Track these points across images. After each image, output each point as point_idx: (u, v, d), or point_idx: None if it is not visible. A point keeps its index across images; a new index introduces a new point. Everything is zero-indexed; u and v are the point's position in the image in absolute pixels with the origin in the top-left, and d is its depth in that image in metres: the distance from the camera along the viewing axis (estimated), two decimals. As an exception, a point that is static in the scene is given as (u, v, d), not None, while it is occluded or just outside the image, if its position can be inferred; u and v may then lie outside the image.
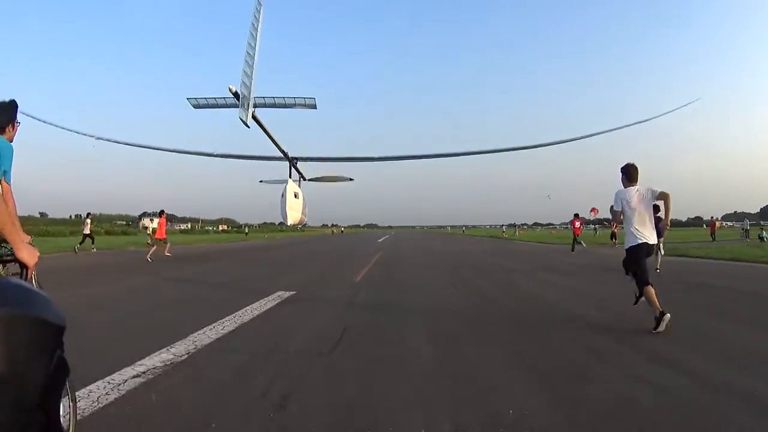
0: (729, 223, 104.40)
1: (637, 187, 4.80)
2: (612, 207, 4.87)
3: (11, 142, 3.09)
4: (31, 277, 2.30)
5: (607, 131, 21.45)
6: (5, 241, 2.19)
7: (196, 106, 14.33)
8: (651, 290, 4.47)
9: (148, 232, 19.73)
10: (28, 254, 1.95)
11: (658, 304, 4.40)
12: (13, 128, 3.24)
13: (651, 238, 4.65)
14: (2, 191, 2.87)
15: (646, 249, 4.66)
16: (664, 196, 4.68)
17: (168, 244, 13.59)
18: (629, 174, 4.87)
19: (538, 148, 22.79)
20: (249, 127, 12.29)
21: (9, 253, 2.13)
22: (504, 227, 54.22)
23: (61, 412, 0.47)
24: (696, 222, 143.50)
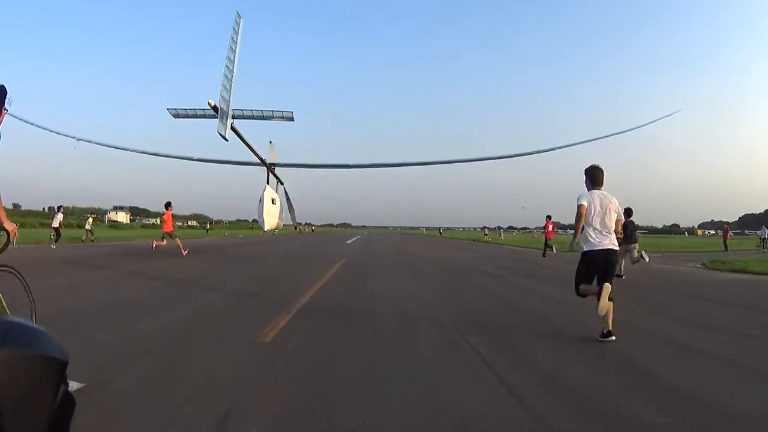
0: (711, 231, 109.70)
1: (603, 192, 4.49)
2: (579, 206, 4.38)
3: None
4: (13, 242, 3.07)
5: (584, 141, 22.69)
6: None
7: (176, 116, 14.62)
8: (588, 288, 4.37)
9: (87, 227, 19.75)
10: (10, 226, 2.78)
11: (610, 322, 4.12)
12: (0, 115, 3.14)
13: (612, 245, 4.34)
14: None
15: (603, 257, 4.32)
16: (617, 224, 4.43)
17: (178, 240, 12.88)
18: (594, 177, 4.53)
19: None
20: (227, 140, 12.78)
21: None
22: (486, 230, 50.56)
23: None
24: (673, 229, 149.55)
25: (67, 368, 0.46)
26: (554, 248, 17.39)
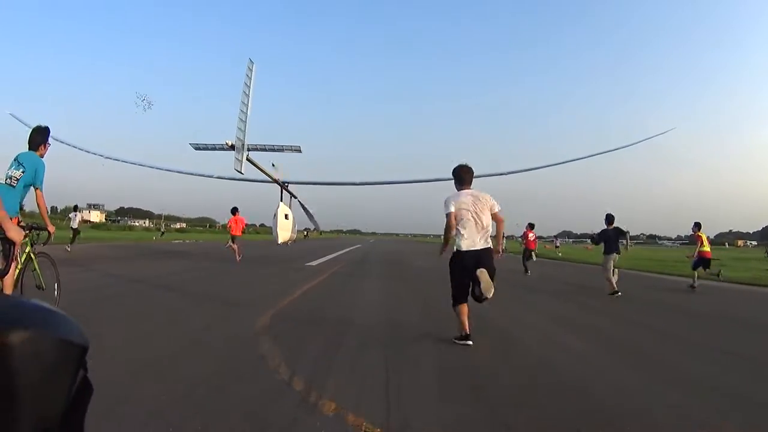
0: (753, 243, 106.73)
1: (471, 190, 4.43)
2: (447, 215, 4.30)
3: (42, 158, 4.34)
4: (17, 254, 3.78)
5: (585, 157, 23.73)
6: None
7: (197, 149, 16.37)
8: (463, 308, 4.23)
9: (74, 225, 17.15)
10: (16, 233, 2.66)
11: (466, 325, 4.17)
12: (45, 148, 4.48)
13: (479, 245, 4.24)
14: (37, 198, 4.33)
15: (471, 257, 4.20)
16: (499, 219, 4.37)
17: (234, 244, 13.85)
18: (460, 177, 4.49)
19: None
20: (243, 174, 14.42)
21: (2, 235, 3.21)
22: (556, 241, 43.87)
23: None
24: (650, 241, 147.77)
25: (86, 354, 0.45)
26: (534, 256, 15.09)
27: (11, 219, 3.86)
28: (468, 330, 4.17)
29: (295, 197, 24.09)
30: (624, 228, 9.83)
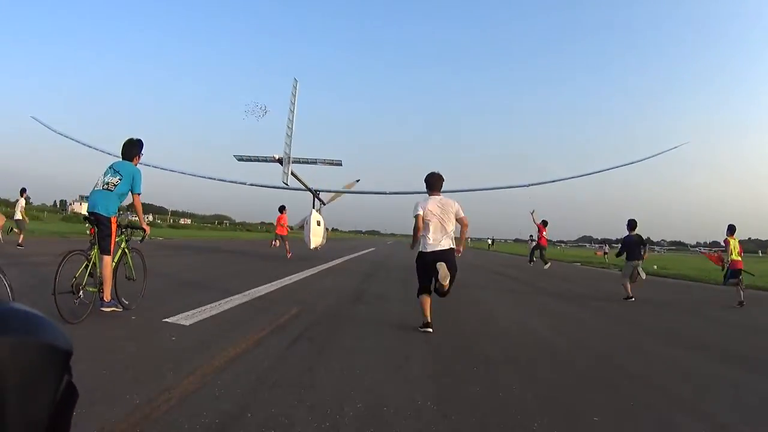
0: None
1: (439, 197, 4.79)
2: (415, 217, 4.74)
3: (137, 167, 4.93)
4: (147, 237, 5.10)
5: (595, 172, 23.88)
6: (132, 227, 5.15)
7: (240, 160, 17.05)
8: (425, 300, 4.69)
9: (18, 216, 12.99)
10: (146, 227, 4.95)
11: (428, 314, 4.66)
12: (139, 159, 5.06)
13: (442, 246, 4.64)
14: (135, 201, 4.86)
15: (434, 257, 4.59)
16: (464, 223, 4.78)
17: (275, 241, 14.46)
18: (430, 184, 4.85)
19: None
20: (288, 185, 15.00)
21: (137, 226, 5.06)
22: (605, 248, 36.89)
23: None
24: (681, 247, 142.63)
25: (71, 359, 0.44)
26: (545, 260, 15.61)
27: (108, 219, 4.60)
28: (429, 319, 4.69)
29: (324, 204, 24.73)
30: (643, 237, 9.44)
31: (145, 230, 4.97)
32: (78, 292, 4.29)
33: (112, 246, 4.64)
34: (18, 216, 12.54)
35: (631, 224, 9.17)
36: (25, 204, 13.49)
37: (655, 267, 15.68)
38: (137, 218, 5.14)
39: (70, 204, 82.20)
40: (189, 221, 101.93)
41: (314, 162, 16.29)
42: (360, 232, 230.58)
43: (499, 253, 42.27)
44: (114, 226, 4.67)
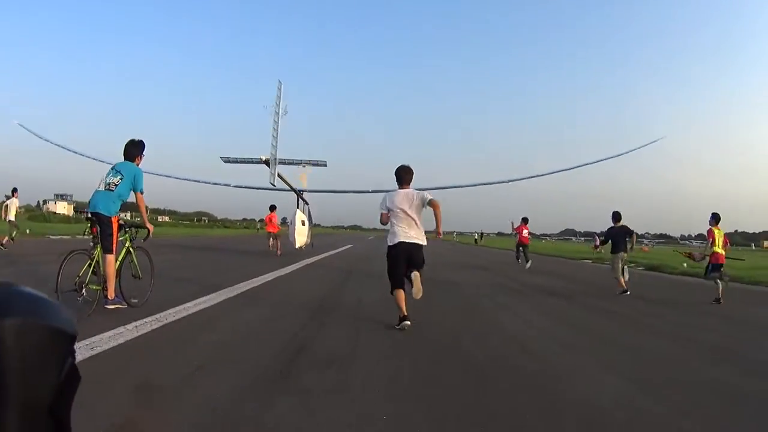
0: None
1: (407, 190, 4.79)
2: (381, 214, 4.81)
3: (139, 167, 5.01)
4: (150, 236, 5.13)
5: (576, 167, 25.05)
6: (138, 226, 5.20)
7: (226, 161, 17.52)
8: (400, 293, 4.59)
9: (10, 217, 12.32)
10: (150, 226, 5.09)
11: (404, 308, 4.55)
12: (140, 159, 5.08)
13: (417, 238, 4.67)
14: (138, 200, 4.99)
15: (405, 248, 4.63)
16: (434, 205, 4.67)
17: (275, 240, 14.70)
18: (399, 177, 4.87)
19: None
20: (275, 186, 15.58)
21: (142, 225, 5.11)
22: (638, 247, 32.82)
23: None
24: (670, 240, 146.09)
25: (74, 342, 0.44)
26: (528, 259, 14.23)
27: (110, 218, 4.63)
28: (405, 312, 4.56)
29: (308, 204, 25.24)
30: (631, 227, 9.08)
31: (149, 229, 5.07)
32: (81, 290, 4.31)
33: (115, 245, 4.69)
34: (12, 217, 12.37)
35: (616, 216, 9.05)
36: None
37: (685, 265, 13.59)
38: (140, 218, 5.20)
39: (45, 203, 78.84)
40: (167, 218, 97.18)
41: (299, 163, 16.92)
42: (342, 227, 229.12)
43: (488, 249, 36.48)
44: (115, 226, 4.72)
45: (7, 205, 12.54)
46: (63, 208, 77.59)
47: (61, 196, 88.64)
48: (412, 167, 4.92)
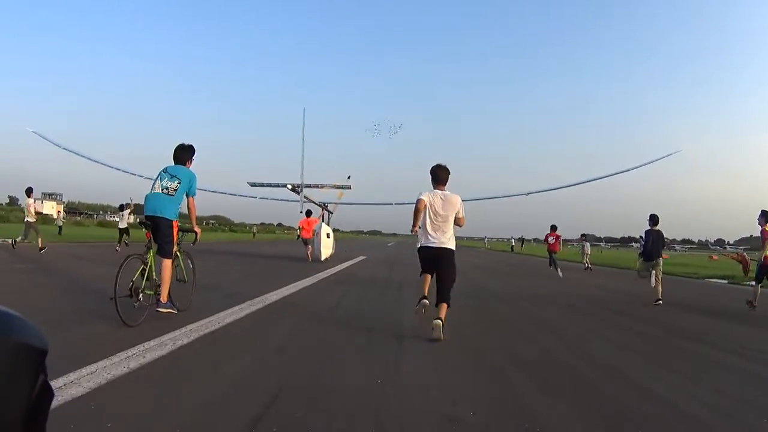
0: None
1: (442, 192, 4.58)
2: (418, 201, 4.51)
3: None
4: (198, 239, 5.04)
5: (588, 181, 24.70)
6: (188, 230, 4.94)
7: (253, 185, 17.98)
8: (426, 278, 4.62)
9: (28, 218, 11.79)
10: (198, 230, 4.96)
11: (426, 290, 4.53)
12: (191, 162, 4.99)
13: (447, 243, 4.49)
14: (190, 203, 4.80)
15: (435, 253, 4.49)
16: (459, 222, 4.58)
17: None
18: (437, 176, 4.64)
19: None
20: (303, 212, 15.86)
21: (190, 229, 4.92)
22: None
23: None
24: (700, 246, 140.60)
25: (46, 358, 0.43)
26: (559, 269, 13.58)
27: (171, 222, 4.58)
28: (426, 293, 4.53)
29: (331, 214, 25.68)
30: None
31: (197, 233, 5.02)
32: (137, 296, 4.25)
33: (174, 249, 4.64)
34: (29, 218, 11.59)
35: (654, 219, 8.21)
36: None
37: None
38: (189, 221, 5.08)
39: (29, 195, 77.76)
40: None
41: (324, 186, 17.17)
42: (362, 232, 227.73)
43: (537, 259, 25.31)
44: (176, 230, 4.66)
45: (29, 205, 11.81)
46: (51, 208, 69.45)
47: (50, 195, 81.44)
48: (448, 167, 4.71)
